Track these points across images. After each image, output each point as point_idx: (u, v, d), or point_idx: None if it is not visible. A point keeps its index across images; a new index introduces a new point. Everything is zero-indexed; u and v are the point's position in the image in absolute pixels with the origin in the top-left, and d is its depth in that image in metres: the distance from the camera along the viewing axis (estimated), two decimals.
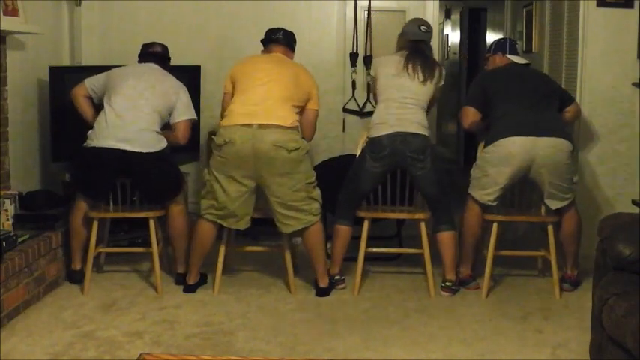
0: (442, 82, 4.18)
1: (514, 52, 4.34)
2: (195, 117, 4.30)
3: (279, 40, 4.18)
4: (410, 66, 4.09)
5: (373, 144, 4.08)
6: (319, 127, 4.25)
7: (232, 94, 4.03)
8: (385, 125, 4.05)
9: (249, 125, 3.82)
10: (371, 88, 4.53)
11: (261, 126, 3.82)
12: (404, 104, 4.06)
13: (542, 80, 4.31)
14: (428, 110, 4.19)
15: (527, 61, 4.45)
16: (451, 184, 4.40)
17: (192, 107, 4.27)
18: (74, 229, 4.15)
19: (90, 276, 4.10)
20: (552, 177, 4.02)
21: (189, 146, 4.41)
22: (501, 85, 4.18)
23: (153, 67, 4.26)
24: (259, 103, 3.90)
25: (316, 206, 4.02)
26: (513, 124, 4.02)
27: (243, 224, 4.02)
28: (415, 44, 4.18)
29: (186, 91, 4.25)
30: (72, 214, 4.15)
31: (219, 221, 4.01)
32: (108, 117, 4.03)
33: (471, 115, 4.24)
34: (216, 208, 3.98)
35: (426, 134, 4.08)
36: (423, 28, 4.22)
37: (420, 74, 4.08)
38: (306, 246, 4.10)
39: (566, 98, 4.32)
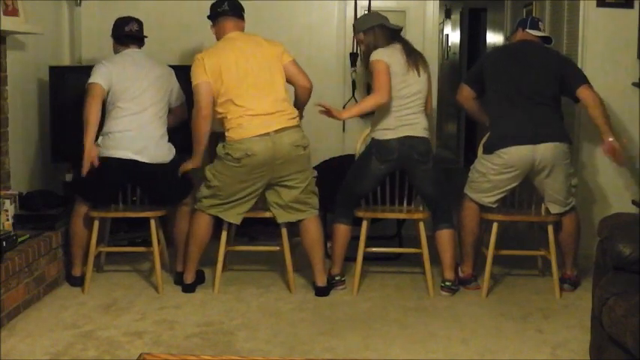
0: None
1: (534, 27, 4.26)
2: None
3: (228, 12, 4.04)
4: (411, 62, 4.05)
5: (381, 147, 4.05)
6: (319, 127, 4.23)
7: (215, 85, 3.90)
8: (395, 130, 4.03)
9: (266, 134, 3.86)
10: (374, 75, 3.98)
11: (277, 131, 3.88)
12: (413, 106, 4.05)
13: (546, 63, 4.14)
14: (426, 104, 4.13)
15: (546, 34, 4.33)
16: (451, 185, 4.39)
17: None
18: (75, 233, 4.14)
19: (90, 276, 4.10)
20: (552, 180, 4.03)
21: (191, 146, 4.40)
22: (499, 71, 4.16)
23: (141, 57, 4.23)
24: (267, 110, 3.90)
25: (317, 200, 4.12)
26: (512, 132, 4.01)
27: (240, 218, 4.06)
28: (397, 33, 4.12)
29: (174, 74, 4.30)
30: (72, 219, 4.13)
31: (219, 215, 4.05)
32: (122, 126, 4.01)
33: (464, 93, 4.37)
34: (221, 206, 4.00)
35: (429, 137, 4.14)
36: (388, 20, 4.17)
37: (420, 68, 4.07)
38: (306, 242, 4.12)
39: (573, 81, 4.12)
